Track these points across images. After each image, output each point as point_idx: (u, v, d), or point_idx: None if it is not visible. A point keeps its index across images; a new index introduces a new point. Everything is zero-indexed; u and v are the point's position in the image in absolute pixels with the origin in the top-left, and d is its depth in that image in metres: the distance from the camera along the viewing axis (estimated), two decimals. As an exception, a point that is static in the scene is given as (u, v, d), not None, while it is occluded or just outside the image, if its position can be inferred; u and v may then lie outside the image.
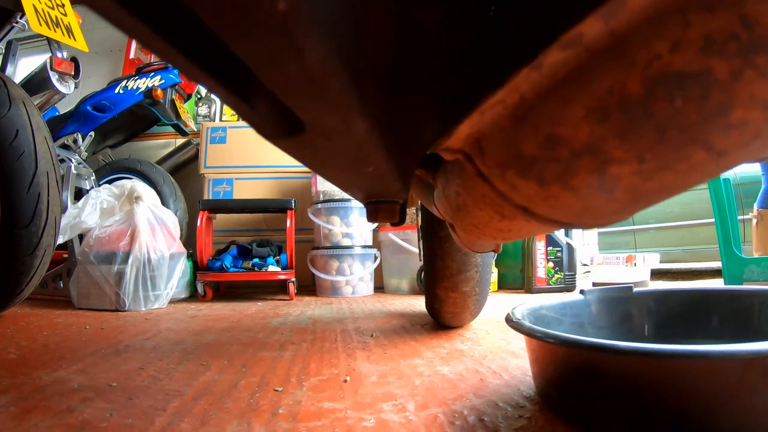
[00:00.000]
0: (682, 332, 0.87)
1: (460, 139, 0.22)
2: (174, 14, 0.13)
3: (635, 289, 0.91)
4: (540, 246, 2.64)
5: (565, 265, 2.63)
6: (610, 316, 0.89)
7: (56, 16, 1.78)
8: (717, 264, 2.74)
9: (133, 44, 4.24)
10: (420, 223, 1.27)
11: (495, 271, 2.68)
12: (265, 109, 0.18)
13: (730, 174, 2.97)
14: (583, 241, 2.79)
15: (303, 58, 0.13)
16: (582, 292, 0.89)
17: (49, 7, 1.75)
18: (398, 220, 0.48)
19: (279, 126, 0.18)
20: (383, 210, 0.42)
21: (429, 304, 1.31)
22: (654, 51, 0.17)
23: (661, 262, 2.89)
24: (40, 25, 1.68)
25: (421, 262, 1.33)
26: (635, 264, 2.53)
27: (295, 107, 0.17)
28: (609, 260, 2.74)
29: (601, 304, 0.89)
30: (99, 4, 0.12)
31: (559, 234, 2.66)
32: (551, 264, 2.64)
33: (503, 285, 2.84)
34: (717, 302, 0.87)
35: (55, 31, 1.77)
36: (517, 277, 2.81)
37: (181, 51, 0.14)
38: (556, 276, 2.62)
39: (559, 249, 2.64)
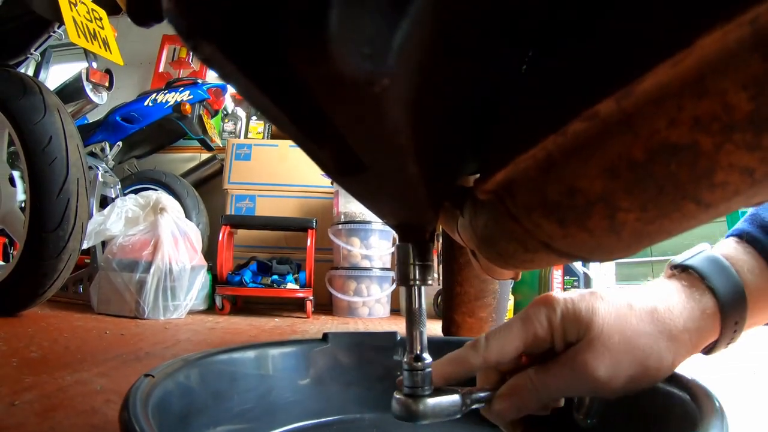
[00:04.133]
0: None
1: (495, 182, 0.27)
2: (276, 76, 0.17)
3: (400, 337, 0.70)
4: (557, 275, 2.65)
5: (580, 295, 2.63)
6: (365, 371, 0.67)
7: (94, 29, 1.84)
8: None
9: (163, 58, 4.32)
10: (440, 248, 1.31)
11: (511, 299, 2.69)
12: (332, 151, 0.22)
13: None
14: (601, 272, 2.79)
15: (383, 122, 0.17)
16: (325, 336, 0.68)
17: (87, 20, 1.80)
18: (427, 247, 0.51)
19: (342, 165, 0.23)
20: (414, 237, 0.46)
21: (445, 329, 1.33)
22: (655, 126, 0.21)
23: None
24: (79, 36, 1.73)
25: (439, 287, 1.36)
26: (651, 298, 2.52)
27: (364, 153, 0.21)
28: (625, 292, 2.73)
29: (352, 354, 0.68)
30: (226, 70, 0.16)
31: (577, 264, 2.66)
32: (567, 294, 2.64)
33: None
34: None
35: (92, 43, 1.82)
36: (532, 306, 2.80)
37: (277, 105, 0.18)
38: (572, 306, 2.62)
39: (576, 279, 2.65)
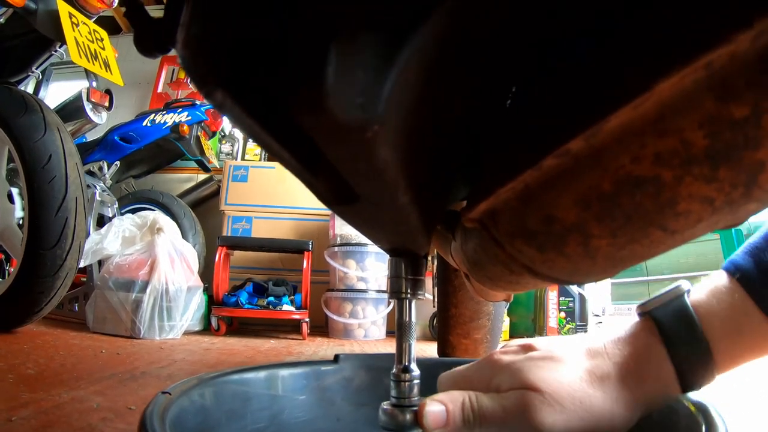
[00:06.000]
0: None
1: (479, 211, 0.29)
2: (280, 120, 0.19)
3: None
4: (552, 296, 2.66)
5: (576, 315, 2.64)
6: (377, 391, 0.65)
7: (95, 50, 1.86)
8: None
9: (162, 79, 4.35)
10: (435, 271, 1.32)
11: (507, 320, 2.70)
12: (327, 183, 0.24)
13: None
14: (596, 292, 2.80)
15: (374, 161, 0.19)
16: (336, 358, 0.68)
17: (89, 40, 1.82)
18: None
19: (337, 196, 0.24)
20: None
21: (441, 350, 1.34)
22: (620, 162, 0.23)
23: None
24: (80, 57, 1.75)
25: (435, 309, 1.37)
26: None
27: (356, 185, 0.23)
28: (621, 311, 2.73)
29: (364, 375, 0.68)
30: (234, 114, 0.18)
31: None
32: (563, 314, 2.65)
33: (515, 334, 2.84)
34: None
35: (93, 63, 1.84)
36: (528, 327, 2.81)
37: (279, 143, 0.20)
38: (568, 326, 2.63)
39: (571, 299, 2.66)
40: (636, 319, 0.44)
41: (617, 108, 0.22)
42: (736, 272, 0.42)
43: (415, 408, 0.43)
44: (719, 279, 0.43)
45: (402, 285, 0.42)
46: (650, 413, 0.43)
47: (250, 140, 3.86)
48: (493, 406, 0.41)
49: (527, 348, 0.45)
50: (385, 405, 0.45)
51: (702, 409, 0.42)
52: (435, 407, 0.42)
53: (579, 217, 0.25)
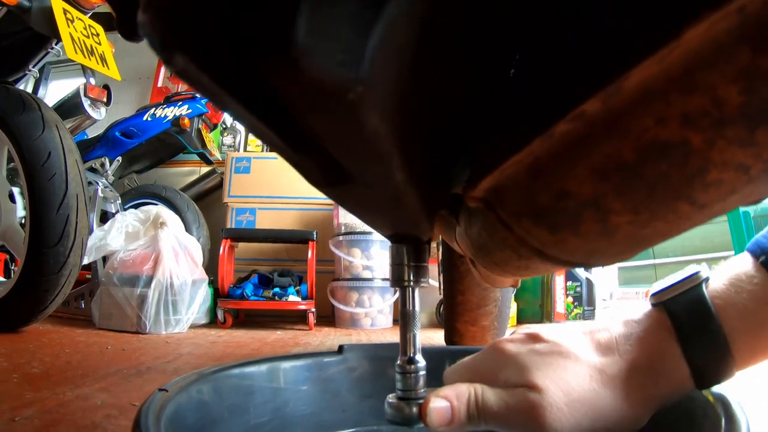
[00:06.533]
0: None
1: (482, 189, 0.26)
2: (251, 86, 0.17)
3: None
4: (559, 281, 2.65)
5: (584, 299, 2.63)
6: (381, 382, 0.63)
7: (91, 45, 1.85)
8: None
9: (161, 73, 4.32)
10: (440, 257, 1.30)
11: (514, 306, 2.68)
12: (316, 162, 0.22)
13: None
14: (604, 276, 2.77)
15: (361, 131, 0.17)
16: (341, 348, 0.66)
17: (84, 35, 1.81)
18: (423, 258, 0.50)
19: (328, 176, 0.22)
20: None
21: (448, 338, 1.32)
22: (643, 125, 0.20)
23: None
24: (76, 53, 1.75)
25: (441, 296, 1.35)
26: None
27: (347, 163, 0.21)
28: (628, 295, 2.72)
29: (368, 366, 0.66)
30: (201, 82, 0.16)
31: (579, 269, 2.66)
32: (570, 299, 2.64)
33: (522, 320, 2.83)
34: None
35: (89, 59, 1.83)
36: (536, 312, 2.80)
37: (254, 116, 0.18)
38: (576, 311, 2.62)
39: (579, 284, 2.64)
40: (649, 306, 0.41)
41: (639, 62, 0.19)
42: (761, 254, 0.38)
43: (421, 400, 0.42)
44: (742, 263, 0.39)
45: (404, 272, 0.41)
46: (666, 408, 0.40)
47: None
48: (498, 404, 0.40)
49: (534, 338, 0.43)
50: (391, 398, 0.43)
51: (721, 400, 0.40)
52: (439, 403, 0.40)
53: (596, 191, 0.22)
